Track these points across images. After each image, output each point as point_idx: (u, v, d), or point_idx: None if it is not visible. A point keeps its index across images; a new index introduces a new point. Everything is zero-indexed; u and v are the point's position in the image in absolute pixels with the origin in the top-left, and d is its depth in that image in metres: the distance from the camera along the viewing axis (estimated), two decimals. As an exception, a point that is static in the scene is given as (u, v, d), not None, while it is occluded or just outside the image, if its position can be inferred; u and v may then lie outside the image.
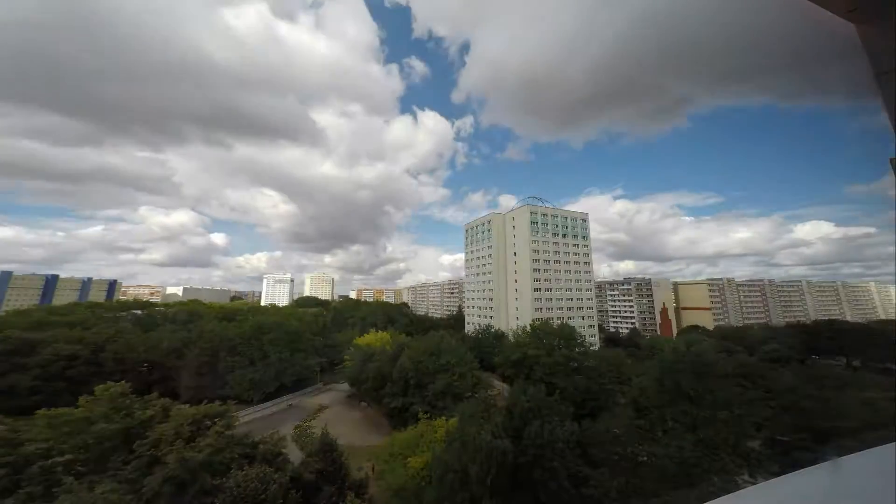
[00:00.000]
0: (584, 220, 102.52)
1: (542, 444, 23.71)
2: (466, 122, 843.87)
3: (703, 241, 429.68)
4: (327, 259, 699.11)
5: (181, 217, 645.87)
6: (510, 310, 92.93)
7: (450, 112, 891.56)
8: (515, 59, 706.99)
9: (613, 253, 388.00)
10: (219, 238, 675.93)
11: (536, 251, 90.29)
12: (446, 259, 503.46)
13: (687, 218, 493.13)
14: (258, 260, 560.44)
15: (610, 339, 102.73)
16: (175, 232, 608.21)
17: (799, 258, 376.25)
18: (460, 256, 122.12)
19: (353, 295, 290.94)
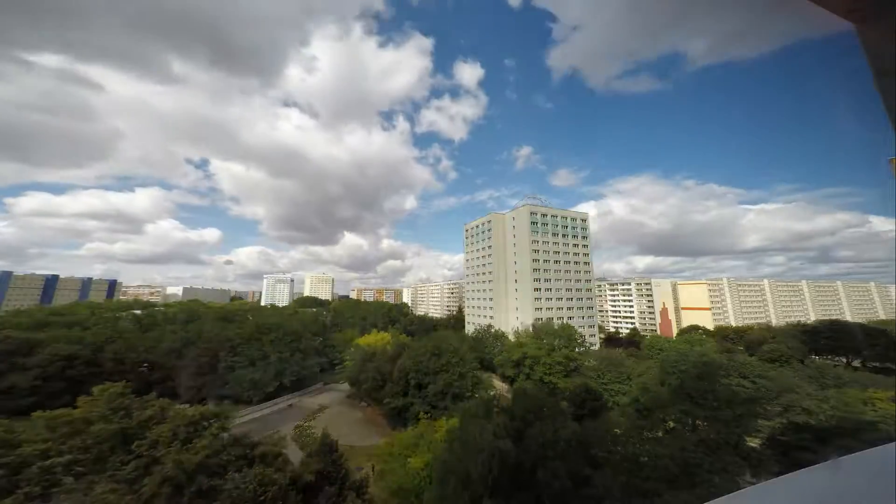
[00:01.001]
0: (584, 220, 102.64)
1: (544, 445, 23.69)
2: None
3: (749, 233, 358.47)
4: (322, 251, 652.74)
5: (142, 199, 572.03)
6: (510, 310, 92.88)
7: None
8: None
9: (649, 246, 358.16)
10: (209, 234, 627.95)
11: (536, 251, 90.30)
12: (446, 259, 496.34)
13: (746, 207, 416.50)
14: (248, 255, 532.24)
15: (610, 339, 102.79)
16: (138, 217, 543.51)
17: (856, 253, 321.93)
18: (461, 256, 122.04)
19: (353, 295, 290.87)
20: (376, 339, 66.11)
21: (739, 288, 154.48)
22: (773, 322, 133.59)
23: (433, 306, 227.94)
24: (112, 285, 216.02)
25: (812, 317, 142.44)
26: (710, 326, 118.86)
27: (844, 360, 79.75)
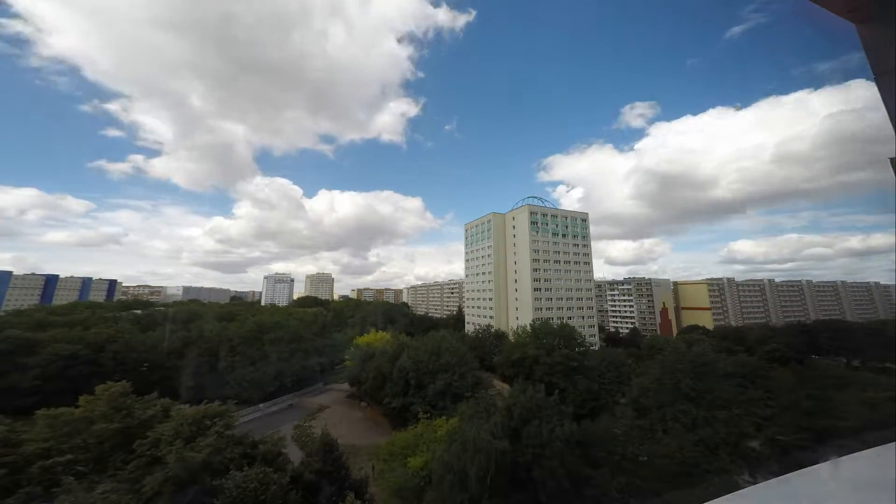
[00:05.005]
0: (584, 220, 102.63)
1: (541, 444, 23.70)
2: None
3: None
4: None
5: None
6: (510, 310, 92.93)
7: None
8: None
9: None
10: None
11: (536, 251, 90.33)
12: (446, 258, 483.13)
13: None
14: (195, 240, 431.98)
15: (610, 339, 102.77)
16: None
17: None
18: (461, 255, 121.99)
19: (353, 295, 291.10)
20: (376, 338, 66.02)
21: (739, 288, 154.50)
22: (773, 322, 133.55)
23: (433, 306, 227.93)
24: (112, 285, 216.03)
25: (812, 317, 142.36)
26: (711, 326, 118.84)
27: (844, 360, 79.71)
